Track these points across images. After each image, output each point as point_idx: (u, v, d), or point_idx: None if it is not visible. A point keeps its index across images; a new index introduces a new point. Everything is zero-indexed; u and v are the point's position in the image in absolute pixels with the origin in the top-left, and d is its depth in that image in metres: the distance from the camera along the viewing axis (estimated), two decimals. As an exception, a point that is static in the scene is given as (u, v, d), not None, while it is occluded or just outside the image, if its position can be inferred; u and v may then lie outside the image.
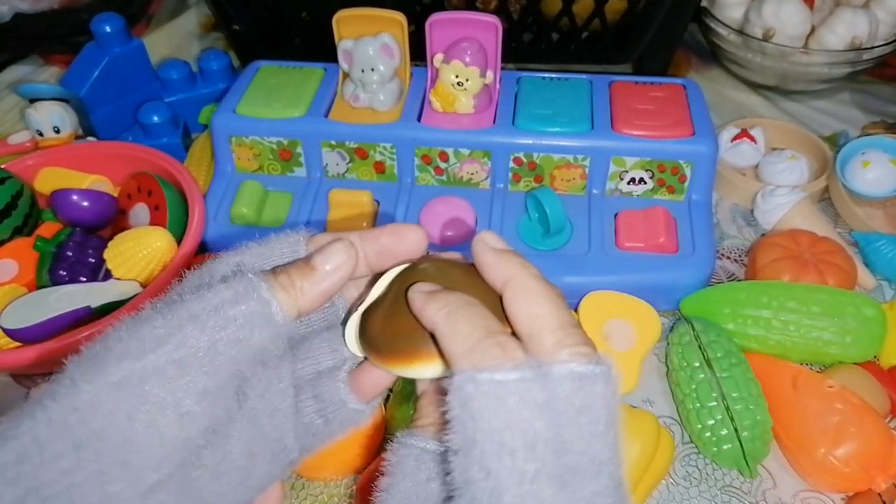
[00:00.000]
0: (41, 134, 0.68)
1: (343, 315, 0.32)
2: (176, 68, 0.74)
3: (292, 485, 0.48)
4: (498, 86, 0.63)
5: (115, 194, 0.62)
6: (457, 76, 0.59)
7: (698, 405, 0.48)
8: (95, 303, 0.52)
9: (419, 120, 0.61)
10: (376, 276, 0.31)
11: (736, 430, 0.47)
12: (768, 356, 0.52)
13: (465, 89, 0.60)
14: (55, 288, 0.52)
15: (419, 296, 0.27)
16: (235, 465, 0.28)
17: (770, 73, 0.79)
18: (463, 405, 0.24)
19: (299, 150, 0.62)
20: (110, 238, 0.55)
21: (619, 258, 0.56)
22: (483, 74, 0.59)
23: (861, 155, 0.66)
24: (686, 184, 0.60)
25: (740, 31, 0.78)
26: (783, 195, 0.64)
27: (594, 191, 0.61)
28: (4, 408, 0.26)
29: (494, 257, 0.28)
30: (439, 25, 0.58)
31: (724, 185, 0.68)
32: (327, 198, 0.60)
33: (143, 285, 0.54)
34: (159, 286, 0.51)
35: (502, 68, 0.62)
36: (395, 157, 0.61)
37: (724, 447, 0.47)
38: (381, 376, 0.31)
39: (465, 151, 0.60)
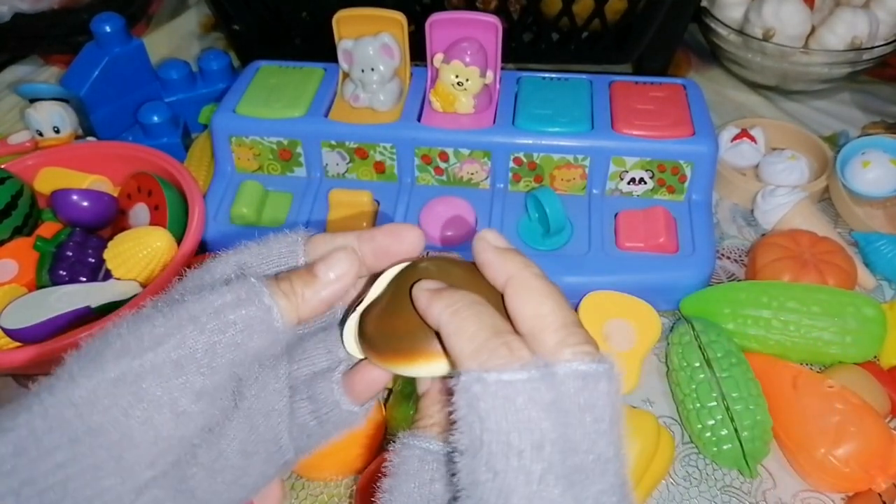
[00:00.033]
0: (41, 134, 0.68)
1: (340, 316, 0.32)
2: (176, 68, 0.74)
3: (292, 485, 0.48)
4: (498, 86, 0.63)
5: (115, 194, 0.63)
6: (457, 76, 0.59)
7: (698, 405, 0.48)
8: (95, 303, 0.52)
9: (419, 120, 0.61)
10: (374, 277, 0.30)
11: (736, 430, 0.47)
12: (768, 356, 0.52)
13: (465, 89, 0.60)
14: (55, 288, 0.52)
15: (424, 293, 0.27)
16: (230, 463, 0.28)
17: (770, 73, 0.79)
18: (470, 406, 0.23)
19: (299, 150, 0.62)
20: (110, 238, 0.55)
21: (619, 258, 0.56)
22: (483, 74, 0.59)
23: (861, 155, 0.66)
24: (686, 184, 0.60)
25: (740, 31, 0.78)
26: (783, 195, 0.64)
27: (594, 191, 0.61)
28: (4, 408, 0.27)
29: (496, 256, 0.27)
30: (439, 25, 0.58)
31: (725, 185, 0.68)
32: (327, 198, 0.60)
33: (143, 285, 0.54)
34: (159, 286, 0.51)
35: (502, 68, 0.62)
36: (395, 157, 0.61)
37: (724, 447, 0.47)
38: (374, 378, 0.31)
39: (465, 151, 0.60)
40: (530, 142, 0.59)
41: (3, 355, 0.48)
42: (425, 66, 0.62)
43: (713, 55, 0.87)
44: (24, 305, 0.51)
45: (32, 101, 0.69)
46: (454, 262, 0.29)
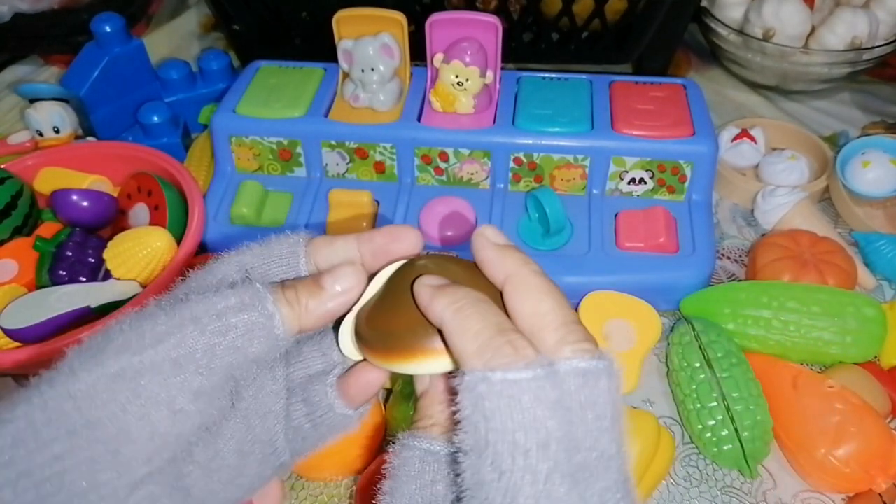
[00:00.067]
0: (41, 134, 0.68)
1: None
2: (176, 68, 0.74)
3: (292, 485, 0.48)
4: (498, 86, 0.63)
5: (115, 194, 0.62)
6: (457, 76, 0.59)
7: (699, 405, 0.48)
8: (95, 303, 0.52)
9: (419, 120, 0.61)
10: (370, 278, 0.30)
11: (736, 430, 0.47)
12: (768, 356, 0.52)
13: (465, 89, 0.60)
14: (55, 288, 0.52)
15: (426, 289, 0.26)
16: (226, 463, 0.28)
17: (770, 73, 0.79)
18: (475, 405, 0.23)
19: (299, 150, 0.62)
20: (110, 238, 0.55)
21: (620, 258, 0.56)
22: (483, 74, 0.59)
23: (861, 155, 0.66)
24: (686, 184, 0.60)
25: (740, 31, 0.78)
26: (783, 195, 0.64)
27: (594, 191, 0.61)
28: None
29: (495, 253, 0.27)
30: (439, 25, 0.58)
31: (725, 185, 0.68)
32: (327, 198, 0.60)
33: (143, 285, 0.54)
34: (159, 286, 0.51)
35: (502, 68, 0.62)
36: (395, 157, 0.61)
37: (725, 447, 0.47)
38: (369, 381, 0.30)
39: (465, 151, 0.60)
40: (530, 142, 0.59)
41: (3, 355, 0.48)
42: (425, 66, 0.62)
43: (713, 55, 0.87)
44: (24, 305, 0.51)
45: (32, 101, 0.69)
46: (452, 260, 0.29)
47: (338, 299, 0.28)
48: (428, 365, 0.27)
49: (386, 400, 0.51)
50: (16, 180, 0.59)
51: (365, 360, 0.30)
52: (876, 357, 0.54)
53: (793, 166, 0.67)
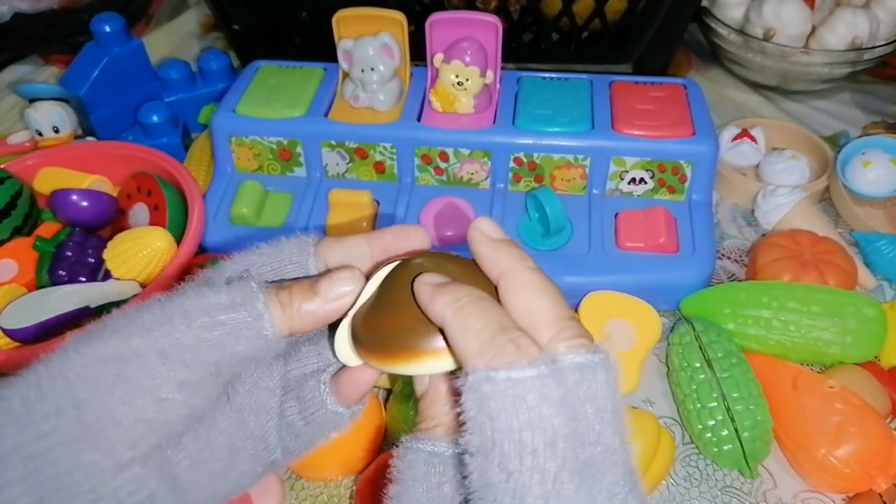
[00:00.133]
0: (41, 134, 0.68)
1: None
2: (176, 68, 0.74)
3: (292, 485, 0.48)
4: (498, 86, 0.63)
5: (115, 194, 0.62)
6: (457, 76, 0.59)
7: (699, 405, 0.48)
8: (95, 303, 0.52)
9: (419, 120, 0.61)
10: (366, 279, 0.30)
11: (736, 430, 0.47)
12: (769, 356, 0.52)
13: (465, 89, 0.60)
14: (55, 288, 0.52)
15: (426, 288, 0.26)
16: (216, 456, 0.28)
17: (770, 72, 0.79)
18: (479, 406, 0.23)
19: (299, 149, 0.62)
20: (110, 238, 0.55)
21: (620, 258, 0.56)
22: (483, 74, 0.59)
23: (861, 155, 0.66)
24: (686, 184, 0.60)
25: (741, 31, 0.77)
26: (784, 195, 0.64)
27: (594, 191, 0.61)
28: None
29: (490, 248, 0.27)
30: (439, 25, 0.58)
31: (725, 185, 0.68)
32: (327, 198, 0.60)
33: (143, 285, 0.54)
34: (159, 286, 0.51)
35: (502, 68, 0.62)
36: (395, 157, 0.61)
37: (725, 448, 0.47)
38: (361, 379, 0.30)
39: (465, 151, 0.60)
40: (530, 142, 0.59)
41: (3, 355, 0.48)
42: (425, 66, 0.62)
43: (713, 55, 0.87)
44: (24, 305, 0.51)
45: (32, 100, 0.69)
46: (448, 257, 0.29)
47: (331, 305, 0.27)
48: (429, 365, 0.26)
49: (386, 400, 0.51)
50: (15, 180, 0.59)
51: (363, 364, 0.29)
52: (876, 357, 0.54)
53: (793, 166, 0.67)
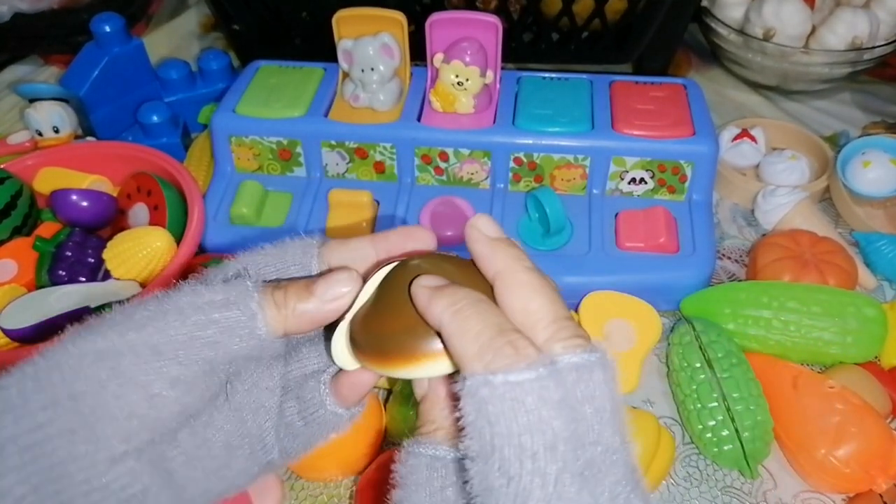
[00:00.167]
0: (40, 134, 0.68)
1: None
2: (176, 68, 0.74)
3: (292, 485, 0.48)
4: (498, 86, 0.63)
5: (115, 194, 0.62)
6: (457, 76, 0.59)
7: (699, 406, 0.48)
8: (95, 303, 0.52)
9: (419, 120, 0.61)
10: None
11: (737, 430, 0.47)
12: (769, 356, 0.52)
13: (465, 89, 0.60)
14: (54, 288, 0.52)
15: (424, 291, 0.26)
16: (213, 453, 0.28)
17: (770, 72, 0.79)
18: (478, 410, 0.23)
19: (299, 149, 0.62)
20: (109, 238, 0.55)
21: (620, 258, 0.56)
22: (483, 74, 0.59)
23: (861, 155, 0.66)
24: (686, 184, 0.60)
25: (741, 31, 0.77)
26: (784, 195, 0.64)
27: (594, 191, 0.61)
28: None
29: (487, 247, 0.27)
30: (439, 25, 0.58)
31: (725, 185, 0.68)
32: (327, 198, 0.60)
33: (143, 285, 0.54)
34: (158, 286, 0.51)
35: (502, 68, 0.62)
36: (394, 156, 0.61)
37: (725, 448, 0.47)
38: (360, 380, 0.30)
39: (465, 151, 0.60)
40: (530, 142, 0.59)
41: (3, 355, 0.47)
42: (425, 65, 0.62)
43: (713, 55, 0.87)
44: (24, 306, 0.51)
45: (32, 100, 0.69)
46: (446, 258, 0.28)
47: (326, 307, 0.27)
48: (427, 368, 0.26)
49: (386, 400, 0.51)
50: (15, 180, 0.59)
51: (361, 367, 0.29)
52: (876, 357, 0.54)
53: (793, 166, 0.67)
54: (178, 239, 0.55)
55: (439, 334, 0.25)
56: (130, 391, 0.25)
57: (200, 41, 0.92)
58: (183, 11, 0.96)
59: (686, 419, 0.50)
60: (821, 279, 0.55)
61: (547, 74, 0.65)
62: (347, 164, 0.62)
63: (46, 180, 0.62)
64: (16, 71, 0.88)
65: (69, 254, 0.55)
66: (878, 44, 0.75)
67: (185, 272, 0.53)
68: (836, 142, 0.75)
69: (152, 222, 0.57)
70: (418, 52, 0.61)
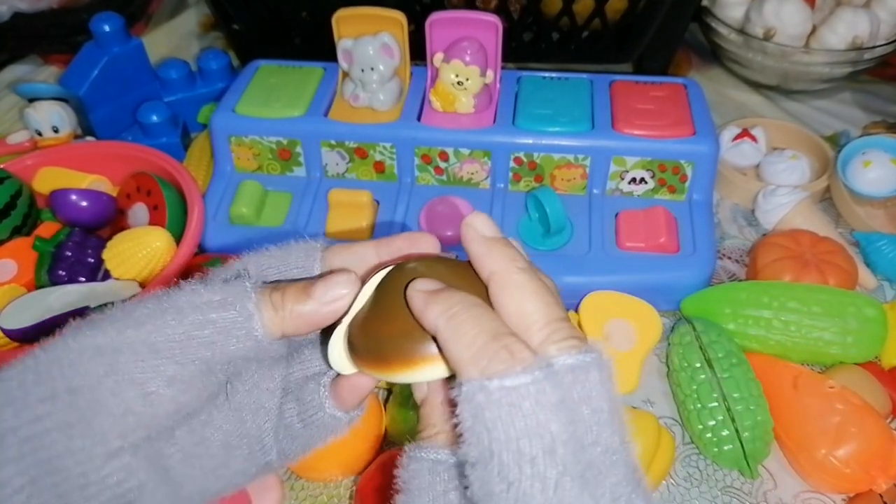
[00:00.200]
0: (40, 133, 0.67)
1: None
2: (175, 68, 0.74)
3: (292, 485, 0.48)
4: (498, 85, 0.63)
5: (114, 194, 0.62)
6: (457, 75, 0.59)
7: (699, 406, 0.48)
8: (94, 303, 0.52)
9: (419, 119, 0.61)
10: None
11: (737, 430, 0.47)
12: (769, 356, 0.52)
13: (465, 89, 0.60)
14: (54, 288, 0.52)
15: (419, 295, 0.26)
16: (211, 452, 0.28)
17: (771, 72, 0.79)
18: (475, 416, 0.23)
19: (299, 149, 0.62)
20: (109, 238, 0.55)
21: (620, 258, 0.56)
22: (483, 74, 0.59)
23: (862, 155, 0.66)
24: (687, 183, 0.60)
25: (741, 31, 0.77)
26: (784, 195, 0.64)
27: (595, 190, 0.61)
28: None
29: (482, 247, 0.27)
30: (439, 25, 0.58)
31: (725, 184, 0.68)
32: (327, 197, 0.60)
33: (142, 285, 0.54)
34: (158, 286, 0.51)
35: (502, 68, 0.62)
36: (394, 156, 0.61)
37: (725, 448, 0.47)
38: (359, 384, 0.30)
39: (465, 151, 0.60)
40: (530, 141, 0.59)
41: (3, 355, 0.47)
42: (425, 65, 0.62)
43: (714, 55, 0.87)
44: (23, 306, 0.51)
45: (31, 100, 0.69)
46: (442, 261, 0.28)
47: (324, 309, 0.27)
48: (424, 372, 0.26)
49: (386, 401, 0.51)
50: (15, 180, 0.59)
51: (358, 371, 0.29)
52: (877, 357, 0.53)
53: (794, 166, 0.67)
54: (178, 239, 0.55)
55: (435, 339, 0.25)
56: (127, 388, 0.25)
57: (200, 41, 0.92)
58: (182, 11, 0.96)
59: (686, 419, 0.50)
60: (821, 279, 0.55)
61: (547, 74, 0.65)
62: (347, 163, 0.62)
63: (46, 180, 0.62)
64: (15, 71, 0.88)
65: (69, 254, 0.55)
66: (878, 43, 0.75)
67: (185, 272, 0.53)
68: (837, 141, 0.75)
69: (152, 222, 0.57)
70: (418, 51, 0.61)
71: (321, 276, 0.28)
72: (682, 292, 0.56)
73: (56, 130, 0.67)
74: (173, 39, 0.91)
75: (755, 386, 0.48)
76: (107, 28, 0.69)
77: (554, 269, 0.55)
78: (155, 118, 0.69)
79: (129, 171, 0.61)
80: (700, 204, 0.60)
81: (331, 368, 0.29)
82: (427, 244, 0.30)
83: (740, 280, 0.61)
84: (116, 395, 0.25)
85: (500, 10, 0.71)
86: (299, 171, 0.63)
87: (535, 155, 0.59)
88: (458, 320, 0.24)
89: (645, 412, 0.50)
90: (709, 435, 0.48)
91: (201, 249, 0.58)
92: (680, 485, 0.48)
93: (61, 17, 0.86)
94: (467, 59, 0.58)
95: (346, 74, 0.63)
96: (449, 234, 0.57)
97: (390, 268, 0.28)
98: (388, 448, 0.48)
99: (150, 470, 0.26)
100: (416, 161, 0.61)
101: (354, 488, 0.47)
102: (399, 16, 0.58)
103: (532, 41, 0.79)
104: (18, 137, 0.69)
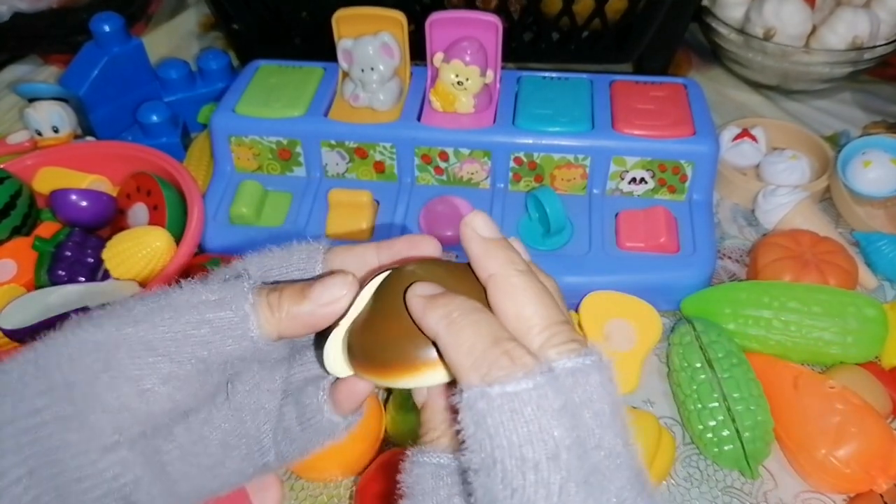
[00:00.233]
0: (40, 133, 0.67)
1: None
2: (175, 68, 0.74)
3: (292, 485, 0.48)
4: (498, 85, 0.63)
5: (114, 194, 0.62)
6: (457, 75, 0.59)
7: (699, 406, 0.48)
8: (94, 303, 0.51)
9: (419, 119, 0.60)
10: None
11: (737, 430, 0.47)
12: (769, 356, 0.52)
13: (465, 89, 0.60)
14: (54, 288, 0.52)
15: (418, 300, 0.25)
16: (209, 451, 0.28)
17: (771, 72, 0.79)
18: (477, 423, 0.22)
19: (299, 149, 0.62)
20: (109, 238, 0.55)
21: (620, 258, 0.56)
22: (483, 74, 0.59)
23: (862, 155, 0.66)
24: (687, 183, 0.60)
25: (741, 31, 0.77)
26: (784, 195, 0.64)
27: (595, 190, 0.61)
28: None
29: (481, 249, 0.26)
30: (439, 25, 0.58)
31: (725, 184, 0.68)
32: (327, 197, 0.60)
33: (142, 285, 0.53)
34: (158, 286, 0.51)
35: (502, 68, 0.62)
36: (394, 156, 0.61)
37: (726, 448, 0.47)
38: (357, 388, 0.30)
39: (465, 151, 0.60)
40: (530, 141, 0.59)
41: (3, 355, 0.47)
42: (425, 65, 0.62)
43: (714, 55, 0.87)
44: (23, 306, 0.51)
45: (31, 100, 0.69)
46: (441, 264, 0.28)
47: (321, 311, 0.27)
48: (424, 378, 0.26)
49: (386, 401, 0.51)
50: (15, 180, 0.59)
51: (354, 375, 0.28)
52: (877, 357, 0.53)
53: (794, 166, 0.67)
54: (178, 239, 0.55)
55: (435, 344, 0.25)
56: (122, 384, 0.25)
57: (200, 41, 0.92)
58: (182, 11, 0.96)
59: (686, 419, 0.50)
60: (821, 279, 0.55)
61: (547, 74, 0.65)
62: (347, 163, 0.62)
63: (46, 180, 0.62)
64: (15, 70, 0.88)
65: (68, 254, 0.55)
66: (878, 43, 0.75)
67: (185, 272, 0.53)
68: (837, 141, 0.75)
69: (152, 222, 0.57)
70: (418, 51, 0.61)
71: (319, 277, 0.28)
72: (682, 292, 0.56)
73: (56, 130, 0.67)
74: (173, 39, 0.91)
75: (755, 386, 0.48)
76: (107, 28, 0.69)
77: (554, 269, 0.55)
78: (155, 118, 0.69)
79: (129, 171, 0.61)
80: (700, 204, 0.60)
81: (325, 371, 0.29)
82: (428, 247, 0.30)
83: (740, 280, 0.61)
84: (112, 391, 0.25)
85: (500, 10, 0.71)
86: (299, 171, 0.63)
87: (535, 155, 0.59)
88: (457, 326, 0.24)
89: (645, 412, 0.50)
90: (709, 435, 0.48)
91: (201, 249, 0.58)
92: (680, 485, 0.48)
93: (61, 17, 0.86)
94: (467, 59, 0.58)
95: (346, 74, 0.63)
96: (449, 234, 0.57)
97: (388, 272, 0.28)
98: (389, 448, 0.48)
99: (147, 465, 0.26)
100: (416, 161, 0.61)
101: (354, 488, 0.47)
102: (399, 16, 0.58)
103: (532, 41, 0.79)
104: (18, 137, 0.69)
